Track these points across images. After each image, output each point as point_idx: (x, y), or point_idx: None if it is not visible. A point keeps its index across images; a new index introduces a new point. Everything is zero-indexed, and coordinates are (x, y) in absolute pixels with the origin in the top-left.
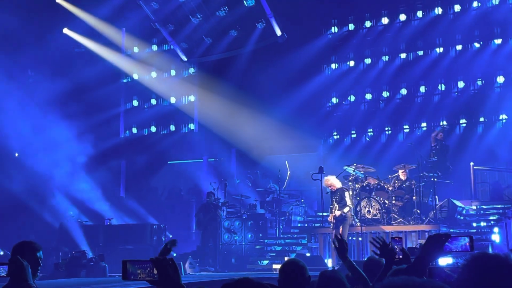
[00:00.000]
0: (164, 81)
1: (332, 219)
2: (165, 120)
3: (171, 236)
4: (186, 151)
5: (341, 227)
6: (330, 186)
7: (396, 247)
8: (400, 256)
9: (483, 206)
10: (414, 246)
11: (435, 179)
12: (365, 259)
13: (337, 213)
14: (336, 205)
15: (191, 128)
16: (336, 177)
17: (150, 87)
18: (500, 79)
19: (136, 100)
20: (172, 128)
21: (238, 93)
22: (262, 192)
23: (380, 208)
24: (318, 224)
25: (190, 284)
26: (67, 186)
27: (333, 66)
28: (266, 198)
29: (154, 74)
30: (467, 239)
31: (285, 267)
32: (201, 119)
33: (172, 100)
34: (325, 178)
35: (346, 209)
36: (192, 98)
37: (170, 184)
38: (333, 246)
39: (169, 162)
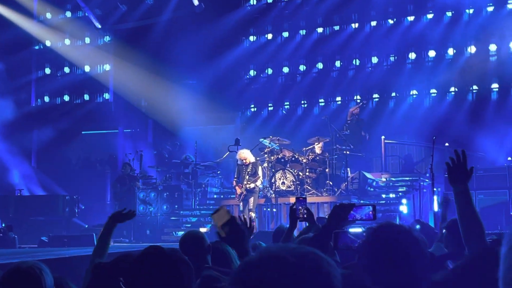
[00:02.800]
0: (78, 49)
1: (244, 191)
2: (79, 89)
3: (83, 207)
4: (101, 121)
5: (251, 198)
6: (243, 159)
7: (300, 207)
8: (305, 215)
9: (392, 179)
10: (325, 216)
11: (347, 152)
12: (276, 227)
13: (251, 185)
14: (247, 177)
15: (106, 98)
16: (251, 150)
17: (63, 55)
18: (412, 56)
19: (48, 68)
20: (86, 97)
21: (155, 63)
22: (178, 163)
23: (294, 180)
24: (234, 196)
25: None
26: None
27: (251, 38)
28: (183, 170)
29: (67, 42)
30: (370, 208)
31: (185, 237)
32: (116, 89)
33: (87, 68)
34: (239, 151)
35: (258, 182)
36: (107, 67)
37: (84, 155)
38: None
39: (83, 133)
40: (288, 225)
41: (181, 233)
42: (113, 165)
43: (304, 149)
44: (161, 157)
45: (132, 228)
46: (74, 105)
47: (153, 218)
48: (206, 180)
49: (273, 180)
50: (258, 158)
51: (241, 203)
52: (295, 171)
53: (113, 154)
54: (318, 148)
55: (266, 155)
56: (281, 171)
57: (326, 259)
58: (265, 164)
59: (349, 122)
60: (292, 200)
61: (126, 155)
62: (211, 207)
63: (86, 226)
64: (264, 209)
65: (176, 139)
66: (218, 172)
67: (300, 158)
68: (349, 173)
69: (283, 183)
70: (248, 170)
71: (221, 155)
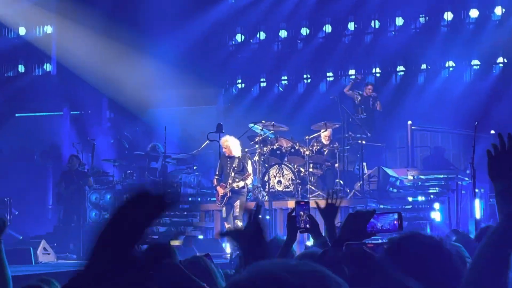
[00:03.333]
0: (11, 6)
1: (228, 192)
2: (12, 58)
3: (17, 213)
4: (40, 100)
5: (238, 202)
6: (228, 150)
7: (301, 213)
8: (307, 226)
9: (422, 177)
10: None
11: (364, 142)
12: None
13: (238, 184)
14: (233, 174)
15: (47, 69)
16: (238, 139)
17: None
18: (448, 16)
19: None
20: (21, 69)
21: (112, 25)
22: (142, 156)
23: (293, 178)
24: (215, 199)
25: (35, 276)
26: None
27: None
28: (149, 164)
29: None
30: (395, 216)
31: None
32: (61, 57)
33: (22, 31)
34: (222, 139)
35: (248, 181)
36: (48, 29)
37: (18, 145)
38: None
39: (17, 115)
40: (285, 237)
41: (143, 248)
42: (56, 157)
43: (306, 137)
44: (120, 148)
45: (81, 240)
46: (5, 79)
47: None
48: (179, 177)
49: (266, 178)
50: (246, 150)
51: (224, 208)
52: (295, 166)
53: (56, 143)
54: (325, 136)
55: (257, 146)
56: (276, 166)
57: (334, 279)
58: (256, 157)
59: (361, 105)
60: (291, 204)
61: (73, 145)
62: (185, 213)
63: (21, 238)
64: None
65: (140, 124)
66: (195, 167)
67: (301, 150)
68: (366, 169)
69: (279, 182)
70: (233, 165)
71: (198, 145)
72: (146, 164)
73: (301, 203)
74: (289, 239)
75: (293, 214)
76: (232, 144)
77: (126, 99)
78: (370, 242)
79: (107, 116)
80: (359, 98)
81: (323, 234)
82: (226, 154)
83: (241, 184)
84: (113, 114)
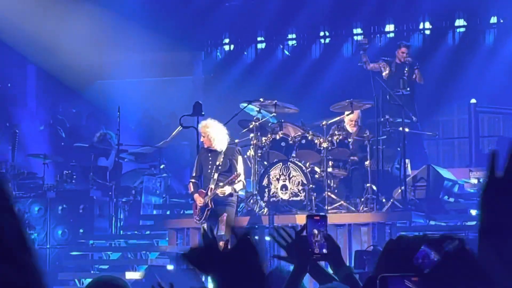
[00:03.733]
0: None
1: (210, 203)
2: None
3: None
4: None
5: (223, 216)
6: (208, 139)
7: (315, 232)
8: (324, 250)
9: None
10: (365, 249)
11: (407, 129)
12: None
13: (224, 191)
14: (216, 176)
15: None
16: (225, 125)
17: None
18: None
19: None
20: None
21: None
22: (86, 149)
23: (304, 182)
24: (192, 212)
25: None
26: None
27: None
28: (96, 161)
29: None
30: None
31: None
32: None
33: None
34: (201, 124)
35: (239, 186)
36: None
37: None
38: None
39: None
40: (291, 267)
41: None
42: None
43: (324, 123)
44: (54, 138)
45: None
46: None
47: (38, 253)
48: (139, 181)
49: (265, 182)
50: (237, 141)
51: (205, 226)
52: (307, 165)
53: None
54: (350, 121)
55: (252, 135)
56: (280, 164)
57: None
58: (251, 152)
59: (402, 77)
60: (301, 219)
61: None
62: (147, 232)
63: None
64: (249, 236)
65: (83, 103)
66: (162, 166)
67: (316, 141)
68: (409, 168)
69: (284, 187)
70: (217, 163)
71: (167, 134)
72: (91, 162)
73: (315, 218)
74: (297, 270)
75: (304, 233)
76: (214, 132)
77: (63, 68)
78: (414, 275)
79: (34, 92)
80: (388, 69)
81: (346, 263)
82: (206, 147)
83: (228, 190)
84: (44, 89)
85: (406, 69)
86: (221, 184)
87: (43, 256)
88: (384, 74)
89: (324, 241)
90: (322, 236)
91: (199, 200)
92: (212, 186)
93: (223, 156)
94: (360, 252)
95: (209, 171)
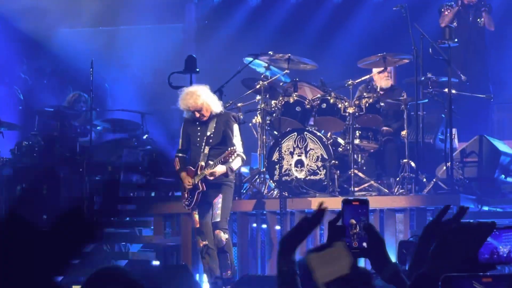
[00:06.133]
0: None
1: (200, 184)
2: None
3: None
4: None
5: (219, 199)
6: (197, 109)
7: (352, 222)
8: (364, 244)
9: None
10: (406, 239)
11: (453, 91)
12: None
13: (215, 171)
14: (207, 150)
15: None
16: (221, 88)
17: None
18: None
19: None
20: None
21: None
22: (51, 115)
23: (325, 157)
24: (180, 195)
25: None
26: None
27: None
28: (66, 131)
29: None
30: None
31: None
32: None
33: None
34: (188, 90)
35: (236, 163)
36: None
37: None
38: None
39: None
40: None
41: (57, 278)
42: None
43: (349, 82)
44: (11, 100)
45: None
46: None
47: None
48: (117, 155)
49: (275, 157)
50: (240, 105)
51: (196, 212)
52: (329, 135)
53: None
54: (382, 79)
55: (258, 97)
56: (295, 135)
57: None
58: (257, 119)
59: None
60: (316, 203)
61: None
62: (127, 219)
63: None
64: (254, 224)
65: (47, 57)
66: (145, 136)
67: (340, 105)
68: (456, 140)
69: (299, 164)
70: (208, 133)
71: (151, 96)
72: (58, 132)
73: (354, 203)
74: None
75: (340, 222)
76: (209, 99)
77: (20, 12)
78: (485, 275)
79: None
80: (451, 13)
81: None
82: (196, 117)
83: (221, 170)
84: None
85: (471, 14)
86: (212, 162)
87: None
88: (442, 22)
89: (364, 233)
90: (363, 226)
91: (187, 181)
92: (203, 163)
93: (214, 124)
94: (406, 243)
95: (197, 144)
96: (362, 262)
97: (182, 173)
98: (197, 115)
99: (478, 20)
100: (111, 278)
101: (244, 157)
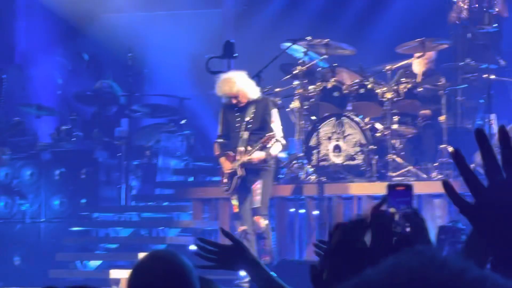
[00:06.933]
0: None
1: (239, 169)
2: None
3: None
4: None
5: (258, 185)
6: (233, 96)
7: (392, 210)
8: (407, 229)
9: None
10: (445, 224)
11: (493, 76)
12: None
13: (252, 158)
14: (246, 135)
15: None
16: (260, 73)
17: None
18: None
19: None
20: None
21: None
22: (89, 98)
23: (363, 142)
24: (220, 179)
25: None
26: None
27: None
28: (104, 112)
29: None
30: None
31: (142, 275)
32: None
33: None
34: (224, 77)
35: (275, 148)
36: None
37: None
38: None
39: None
40: None
41: (95, 264)
42: None
43: (388, 67)
44: (48, 85)
45: None
46: None
47: (28, 228)
48: (155, 140)
49: (313, 142)
50: (278, 90)
51: (235, 197)
52: (367, 120)
53: None
54: (422, 64)
55: (296, 82)
56: (333, 120)
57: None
58: (295, 104)
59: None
60: (359, 189)
61: None
62: (165, 203)
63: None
64: (291, 209)
65: (85, 43)
66: (183, 121)
67: (378, 91)
68: (494, 125)
69: (336, 148)
70: (246, 118)
71: (190, 81)
72: (96, 115)
73: (398, 188)
74: (375, 254)
75: (384, 209)
76: (245, 85)
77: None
78: None
79: (23, 28)
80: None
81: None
82: (234, 103)
83: (258, 156)
84: (38, 24)
85: None
86: (251, 147)
87: (37, 231)
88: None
89: (409, 217)
90: (411, 213)
91: (226, 165)
92: (242, 148)
93: (253, 109)
94: (445, 228)
95: (237, 130)
96: None
97: (221, 158)
98: (234, 101)
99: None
100: (163, 261)
101: (284, 142)
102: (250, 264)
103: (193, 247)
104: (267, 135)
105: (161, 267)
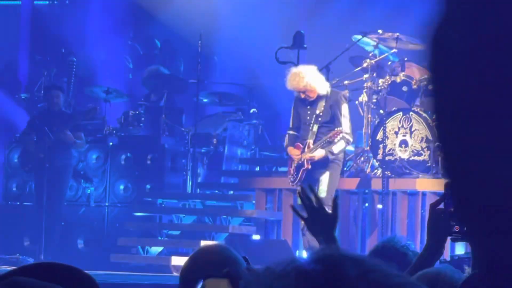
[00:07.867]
0: None
1: (306, 163)
2: None
3: None
4: None
5: (324, 177)
6: (301, 90)
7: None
8: (465, 228)
9: None
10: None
11: None
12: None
13: (316, 155)
14: (315, 128)
15: None
16: (329, 65)
17: None
18: None
19: None
20: None
21: None
22: (158, 83)
23: (430, 138)
24: (287, 171)
25: None
26: None
27: None
28: (169, 104)
29: None
30: None
31: (196, 266)
32: None
33: None
34: (294, 71)
35: (339, 145)
36: None
37: None
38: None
39: None
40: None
41: (157, 250)
42: (14, 87)
43: None
44: (118, 68)
45: (44, 233)
46: None
47: (93, 212)
48: (223, 128)
49: (380, 136)
50: (346, 82)
51: (301, 188)
52: (435, 116)
53: (11, 59)
54: None
55: (366, 76)
56: (400, 115)
57: None
58: (363, 98)
59: None
60: (424, 185)
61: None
62: (231, 192)
63: None
64: (356, 202)
65: (158, 27)
66: (252, 111)
67: None
68: None
69: (403, 143)
70: (317, 111)
71: (259, 70)
72: (164, 101)
73: None
74: (429, 250)
75: (442, 206)
76: (314, 80)
77: None
78: None
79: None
80: None
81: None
82: (302, 97)
83: (320, 153)
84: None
85: None
86: (321, 141)
87: (101, 215)
88: None
89: None
90: None
91: (294, 153)
92: (311, 140)
93: (324, 103)
94: None
95: (307, 122)
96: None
97: (290, 148)
98: (302, 95)
99: None
100: (213, 254)
101: (351, 139)
102: (329, 239)
103: (256, 237)
104: (335, 129)
105: (214, 259)
